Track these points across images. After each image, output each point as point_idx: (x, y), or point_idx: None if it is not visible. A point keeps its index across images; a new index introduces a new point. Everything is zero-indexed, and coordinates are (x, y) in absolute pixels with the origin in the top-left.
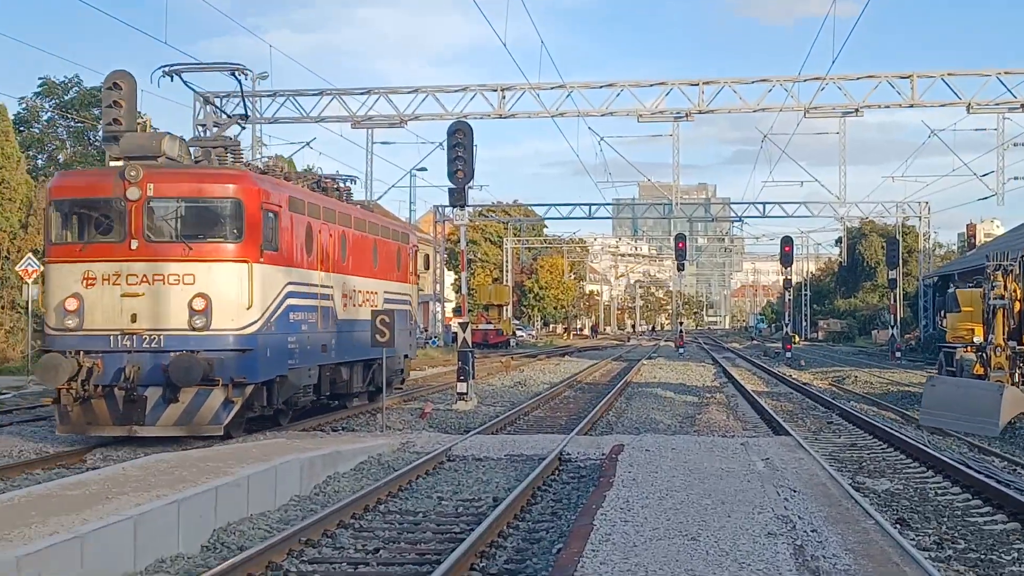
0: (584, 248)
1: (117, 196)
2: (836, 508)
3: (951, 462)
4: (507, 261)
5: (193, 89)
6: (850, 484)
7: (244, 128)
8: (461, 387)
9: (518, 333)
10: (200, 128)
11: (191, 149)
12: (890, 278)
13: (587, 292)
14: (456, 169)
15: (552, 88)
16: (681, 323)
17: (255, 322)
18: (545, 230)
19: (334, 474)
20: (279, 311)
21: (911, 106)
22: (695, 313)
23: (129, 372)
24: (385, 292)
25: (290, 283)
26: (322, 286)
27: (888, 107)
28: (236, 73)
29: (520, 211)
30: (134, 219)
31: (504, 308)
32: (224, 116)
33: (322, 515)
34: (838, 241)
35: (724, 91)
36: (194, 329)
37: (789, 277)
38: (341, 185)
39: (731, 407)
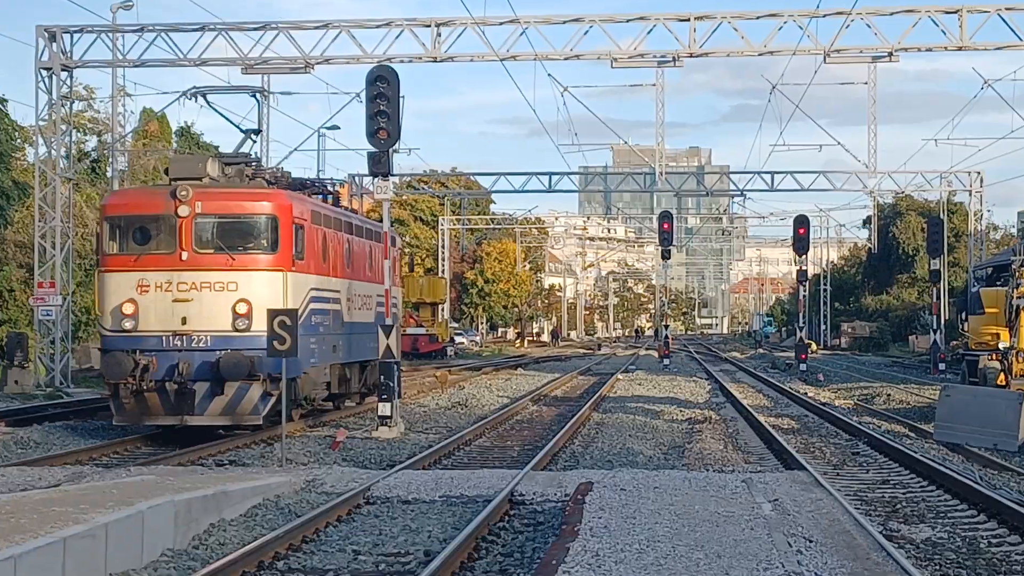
0: (543, 230)
1: (168, 213)
2: (863, 563)
3: (1009, 503)
4: (443, 246)
5: None
6: (881, 532)
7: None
8: (383, 409)
9: (457, 339)
10: (44, 73)
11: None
12: (932, 269)
13: (546, 287)
14: (377, 128)
15: (501, 23)
16: (666, 326)
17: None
18: (492, 207)
19: (219, 521)
20: (305, 314)
21: (959, 49)
22: (684, 314)
23: (181, 368)
24: (378, 296)
25: (312, 289)
26: (334, 291)
27: (930, 50)
28: None
29: (460, 182)
30: (184, 233)
31: (439, 307)
32: (73, 58)
33: (204, 573)
34: (866, 222)
35: (722, 29)
36: (237, 330)
37: (804, 267)
38: (331, 189)
39: (730, 433)
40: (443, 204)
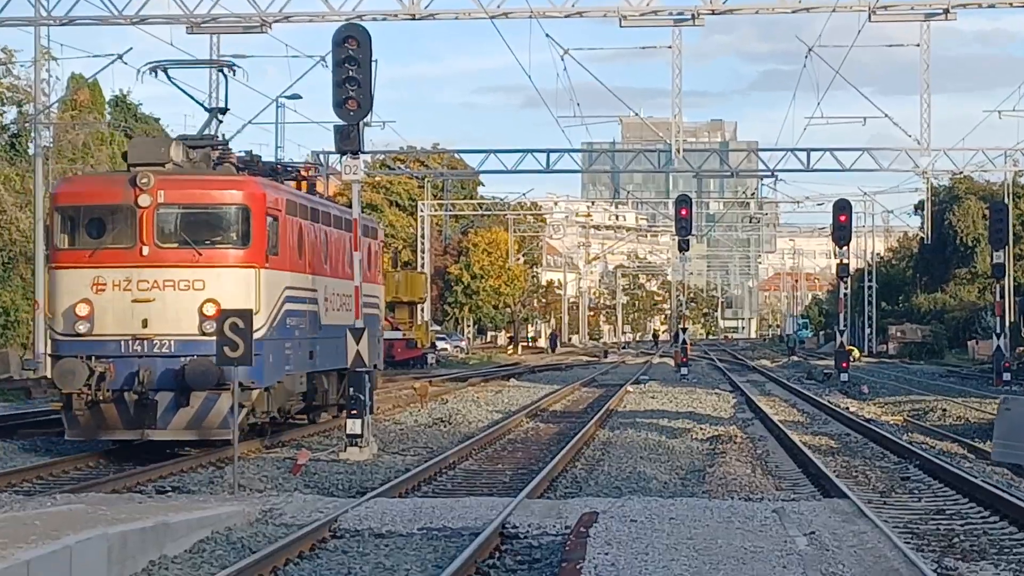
0: (539, 218)
1: (127, 202)
2: None
3: None
4: (423, 236)
5: None
6: (935, 571)
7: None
8: (353, 426)
9: (439, 345)
10: None
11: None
12: (995, 263)
13: (543, 283)
14: (346, 97)
15: None
16: (684, 329)
17: (262, 327)
18: (480, 190)
19: (160, 558)
20: (279, 316)
21: None
22: (705, 315)
23: (141, 376)
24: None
25: (287, 287)
26: (311, 290)
27: (992, 6)
28: None
29: (442, 161)
30: (145, 226)
31: (418, 307)
32: None
33: None
34: (918, 207)
35: None
36: (204, 334)
37: (845, 261)
38: (307, 173)
39: (759, 455)
40: (423, 187)
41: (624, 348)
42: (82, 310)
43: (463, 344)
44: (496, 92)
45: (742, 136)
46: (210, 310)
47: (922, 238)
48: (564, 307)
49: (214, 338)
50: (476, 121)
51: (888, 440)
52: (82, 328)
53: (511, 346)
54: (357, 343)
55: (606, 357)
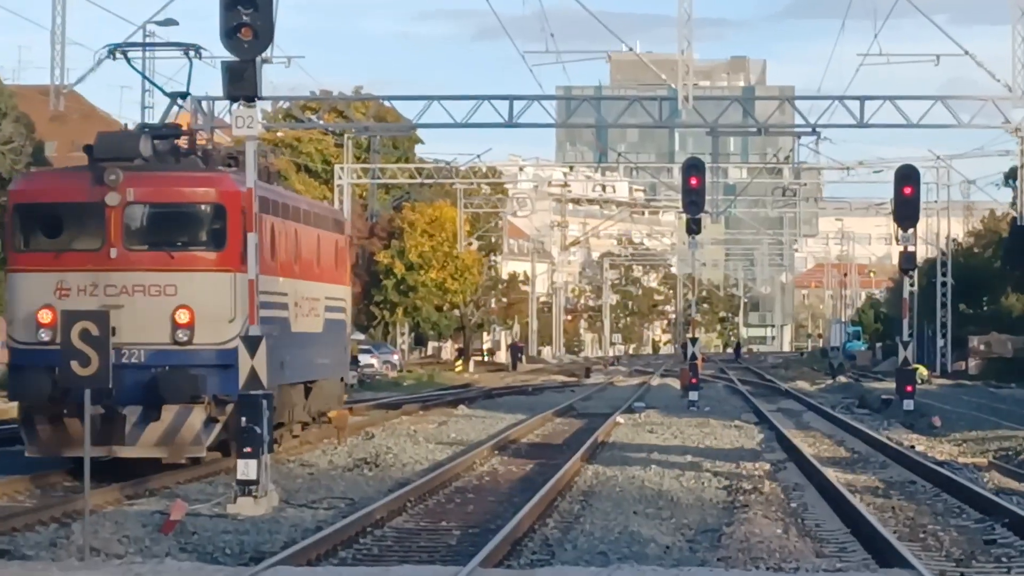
0: (499, 188)
1: (93, 201)
2: None
3: None
4: (343, 208)
5: None
6: None
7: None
8: (245, 468)
9: (363, 360)
10: None
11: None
12: None
13: (504, 277)
14: (238, 24)
15: None
16: (693, 340)
17: (237, 336)
18: (420, 150)
19: None
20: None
21: None
22: (722, 321)
23: (109, 389)
24: (326, 298)
25: (261, 292)
26: (282, 294)
27: None
28: None
29: (368, 111)
30: (113, 226)
31: None
32: None
33: None
34: (1009, 177)
35: None
36: (177, 343)
37: (912, 248)
38: (265, 160)
39: (792, 509)
40: (341, 145)
41: (613, 365)
42: (44, 317)
43: (395, 359)
44: (440, 20)
45: (772, 80)
46: (183, 317)
47: (1014, 218)
48: (532, 309)
49: (188, 347)
50: (414, 58)
51: (967, 490)
52: (45, 336)
53: (460, 361)
54: (252, 357)
55: (588, 377)
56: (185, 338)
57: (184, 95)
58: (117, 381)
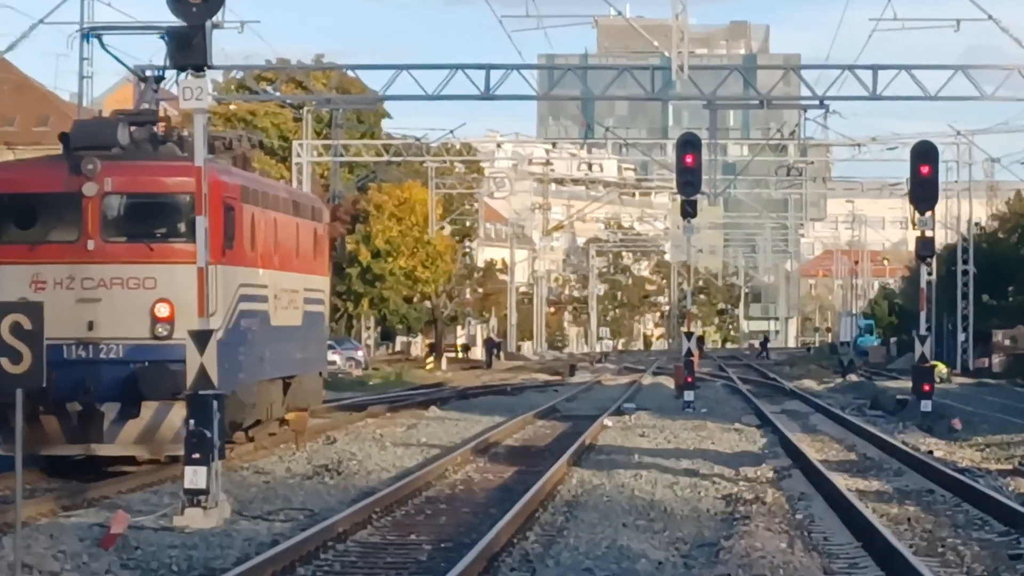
0: (474, 166)
1: (70, 191)
2: None
3: None
4: (301, 189)
5: None
6: None
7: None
8: (194, 476)
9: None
10: None
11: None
12: None
13: (480, 265)
14: None
15: None
16: (690, 334)
17: (218, 330)
18: (387, 125)
19: None
20: (235, 317)
21: None
22: (721, 313)
23: (86, 385)
24: (305, 289)
25: (242, 285)
26: (262, 286)
27: None
28: None
29: (330, 81)
30: (90, 217)
31: None
32: None
33: None
34: None
35: None
36: (156, 338)
37: (930, 233)
38: (241, 146)
39: (798, 521)
40: (300, 119)
41: (601, 362)
42: None
43: (360, 355)
44: None
45: (776, 47)
46: (163, 311)
47: None
48: (511, 300)
49: (168, 342)
50: (381, 23)
51: (991, 500)
52: None
53: (431, 358)
54: (201, 354)
55: (572, 375)
56: (165, 332)
57: (159, 79)
58: (95, 377)
